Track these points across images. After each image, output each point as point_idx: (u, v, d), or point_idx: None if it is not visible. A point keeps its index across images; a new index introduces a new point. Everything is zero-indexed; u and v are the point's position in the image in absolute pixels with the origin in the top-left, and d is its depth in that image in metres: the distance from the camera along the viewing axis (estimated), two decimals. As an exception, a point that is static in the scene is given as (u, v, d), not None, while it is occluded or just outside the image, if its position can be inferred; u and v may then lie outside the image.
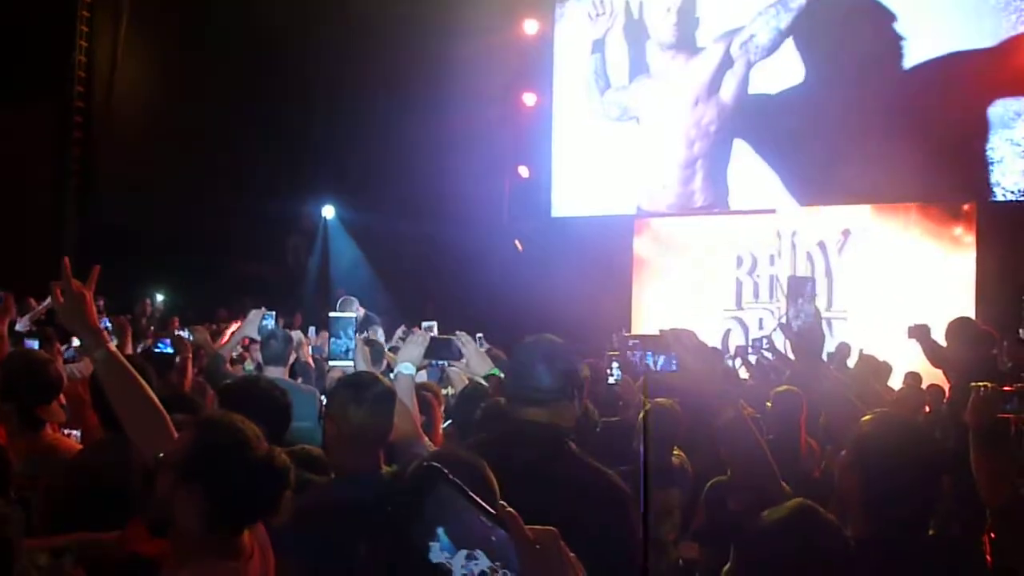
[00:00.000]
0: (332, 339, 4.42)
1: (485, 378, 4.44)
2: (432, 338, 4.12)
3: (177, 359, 5.90)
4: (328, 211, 17.25)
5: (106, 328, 7.32)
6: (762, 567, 2.52)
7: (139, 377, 2.95)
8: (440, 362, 5.28)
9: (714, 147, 13.85)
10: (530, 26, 15.31)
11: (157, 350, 6.12)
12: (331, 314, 4.02)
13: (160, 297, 13.74)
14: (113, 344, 3.03)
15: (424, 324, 5.57)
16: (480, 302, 12.76)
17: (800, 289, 3.60)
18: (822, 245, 13.16)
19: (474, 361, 4.21)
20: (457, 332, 4.18)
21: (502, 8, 14.42)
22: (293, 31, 14.47)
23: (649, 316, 13.75)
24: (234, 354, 6.74)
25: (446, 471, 1.38)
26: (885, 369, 8.48)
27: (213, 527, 2.46)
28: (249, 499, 2.51)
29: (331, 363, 4.02)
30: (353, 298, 7.76)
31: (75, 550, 2.93)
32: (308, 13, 14.41)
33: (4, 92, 12.93)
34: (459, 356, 4.16)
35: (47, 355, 4.60)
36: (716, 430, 3.27)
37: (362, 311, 7.24)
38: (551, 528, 1.43)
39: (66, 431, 4.52)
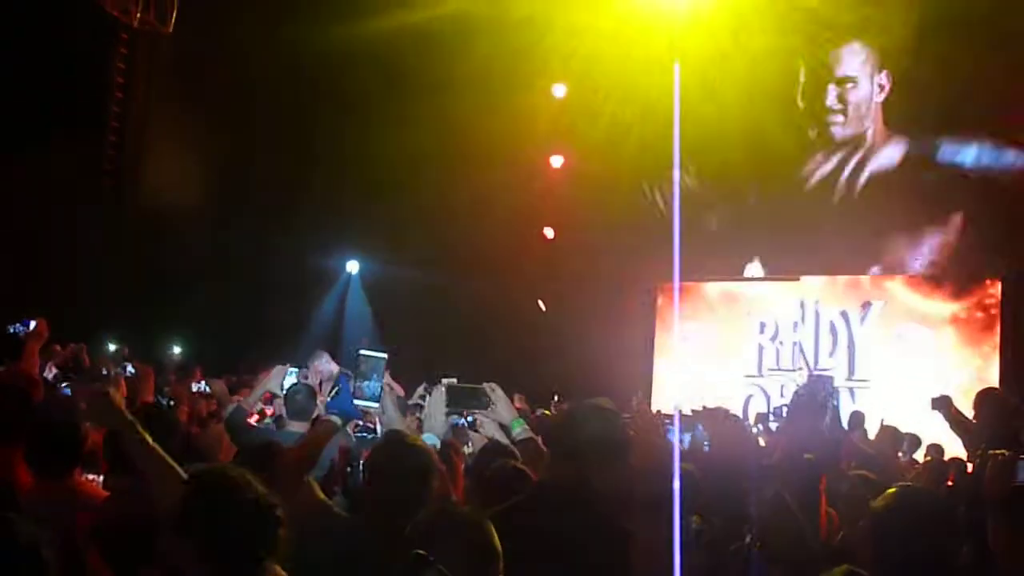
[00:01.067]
0: (362, 381, 4.33)
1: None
2: (460, 387, 4.13)
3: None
4: (352, 266, 17.33)
5: (129, 374, 7.44)
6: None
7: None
8: (460, 420, 5.26)
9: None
10: (559, 89, 15.45)
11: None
12: (362, 352, 3.99)
13: (177, 350, 13.72)
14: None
15: (444, 381, 5.59)
16: (501, 362, 12.76)
17: (817, 390, 3.61)
18: (844, 315, 13.15)
19: (502, 408, 4.20)
20: (485, 383, 4.18)
21: (530, 69, 14.56)
22: (326, 80, 14.63)
23: (669, 380, 13.72)
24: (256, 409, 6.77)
25: (433, 561, 1.40)
26: (909, 440, 8.41)
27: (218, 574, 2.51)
28: (245, 542, 2.54)
29: (357, 402, 3.96)
30: (323, 352, 7.71)
31: None
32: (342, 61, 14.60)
33: (44, 131, 13.11)
34: (487, 406, 4.17)
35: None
36: (753, 505, 3.26)
37: (335, 367, 7.18)
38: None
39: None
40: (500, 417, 4.25)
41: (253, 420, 6.21)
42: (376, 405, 4.00)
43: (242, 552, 2.54)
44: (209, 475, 2.71)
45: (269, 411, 7.78)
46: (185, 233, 15.54)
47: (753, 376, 13.52)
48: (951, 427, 6.36)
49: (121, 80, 15.32)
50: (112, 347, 10.82)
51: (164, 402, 6.72)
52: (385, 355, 3.96)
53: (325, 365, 7.24)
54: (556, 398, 10.91)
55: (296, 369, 6.38)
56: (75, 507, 3.79)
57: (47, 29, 13.09)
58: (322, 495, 3.66)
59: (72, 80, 13.94)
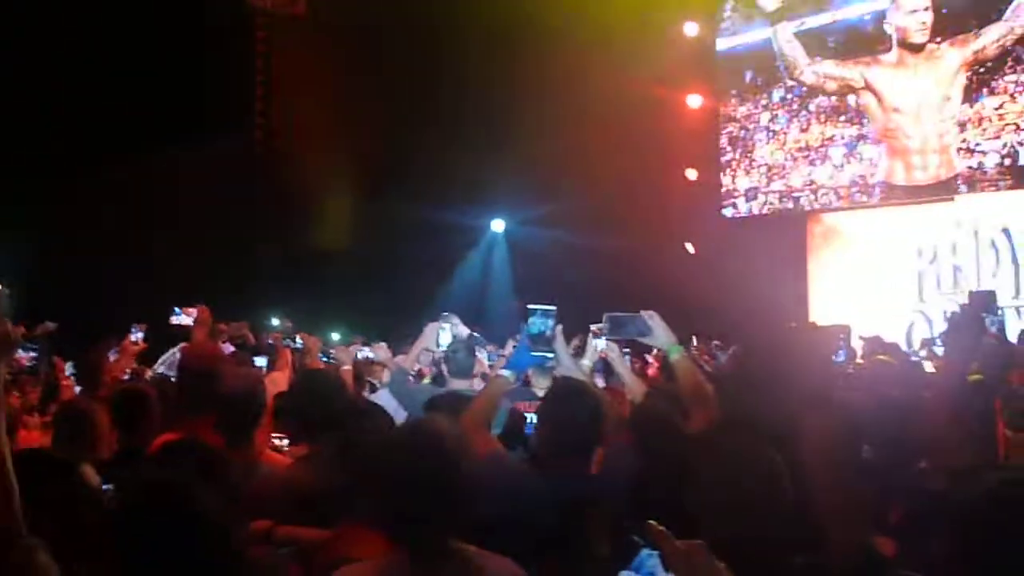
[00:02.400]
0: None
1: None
2: (620, 315, 4.16)
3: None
4: (498, 224, 17.47)
5: (296, 347, 7.70)
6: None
7: None
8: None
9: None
10: (690, 28, 15.23)
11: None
12: (530, 306, 4.03)
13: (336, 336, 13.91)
14: None
15: (593, 326, 5.58)
16: (652, 307, 12.69)
17: (981, 306, 3.48)
18: (1006, 231, 12.60)
19: (660, 333, 4.20)
20: (642, 311, 4.19)
21: (662, 11, 14.38)
22: (460, 44, 14.71)
23: (826, 311, 13.43)
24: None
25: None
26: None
27: (399, 532, 2.58)
28: (417, 506, 2.54)
29: (535, 353, 3.99)
30: (452, 314, 7.76)
31: (294, 545, 3.11)
32: (472, 24, 14.64)
33: (192, 129, 13.56)
34: (646, 332, 4.19)
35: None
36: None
37: (466, 330, 7.21)
38: (698, 541, 1.46)
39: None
40: (659, 342, 4.24)
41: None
42: (551, 354, 4.03)
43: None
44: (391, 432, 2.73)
45: (425, 371, 7.97)
46: (336, 206, 15.94)
47: (914, 302, 13.14)
48: None
49: (261, 63, 15.74)
50: (276, 322, 11.18)
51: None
52: (554, 307, 3.99)
53: (455, 328, 7.32)
54: (715, 343, 10.86)
55: (446, 325, 6.45)
56: (258, 474, 4.02)
57: (185, 21, 13.51)
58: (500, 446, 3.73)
59: (215, 68, 14.38)
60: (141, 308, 7.59)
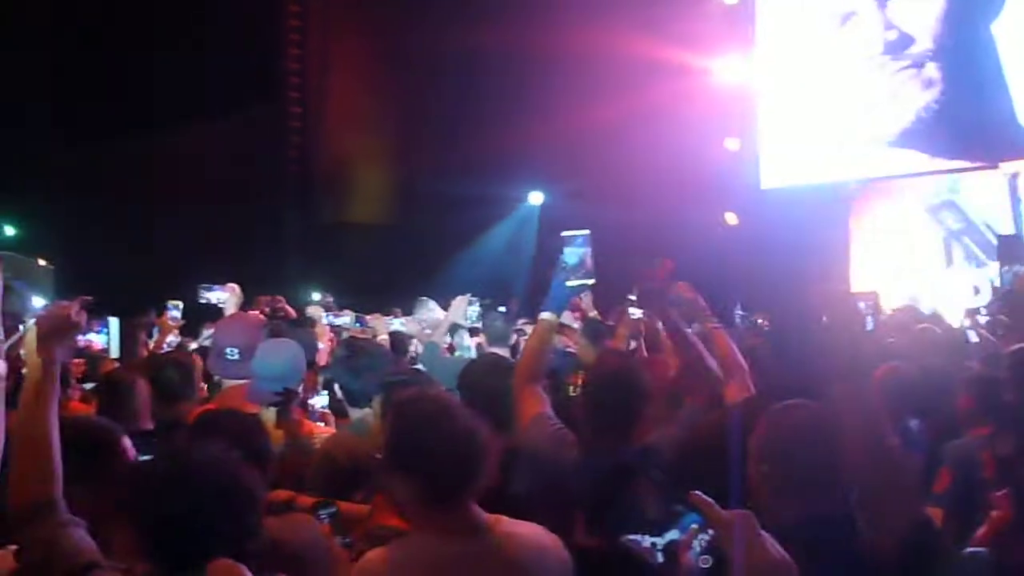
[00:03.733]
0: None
1: None
2: None
3: None
4: (536, 197, 17.38)
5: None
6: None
7: None
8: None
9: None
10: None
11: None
12: (563, 233, 3.96)
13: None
14: None
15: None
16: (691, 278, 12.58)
17: (1012, 249, 3.39)
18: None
19: None
20: None
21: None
22: (499, 13, 14.63)
23: (868, 282, 13.28)
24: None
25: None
26: None
27: (435, 505, 2.56)
28: (458, 475, 2.56)
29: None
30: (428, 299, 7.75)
31: (333, 511, 3.12)
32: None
33: (224, 100, 13.61)
34: None
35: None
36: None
37: (442, 314, 7.24)
38: (746, 511, 1.44)
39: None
40: None
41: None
42: (591, 280, 3.95)
43: (450, 485, 2.57)
44: (414, 404, 2.71)
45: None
46: (371, 180, 15.96)
47: (955, 269, 12.96)
48: None
49: (296, 37, 15.76)
50: (316, 296, 11.23)
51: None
52: (587, 232, 3.91)
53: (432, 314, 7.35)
54: (739, 309, 10.82)
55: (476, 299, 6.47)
56: (300, 445, 4.08)
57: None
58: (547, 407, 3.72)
59: (249, 43, 14.42)
60: (175, 282, 7.65)
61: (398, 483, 2.61)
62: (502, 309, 7.63)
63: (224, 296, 5.91)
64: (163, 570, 2.09)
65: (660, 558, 2.56)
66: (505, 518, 2.66)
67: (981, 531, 2.73)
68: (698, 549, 1.44)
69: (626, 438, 3.46)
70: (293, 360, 4.28)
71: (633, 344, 6.10)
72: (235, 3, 13.99)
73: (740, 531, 1.42)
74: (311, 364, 5.27)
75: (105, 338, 7.59)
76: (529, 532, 2.69)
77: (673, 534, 2.08)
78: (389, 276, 14.09)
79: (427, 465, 2.54)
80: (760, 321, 10.49)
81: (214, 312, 6.32)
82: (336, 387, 4.34)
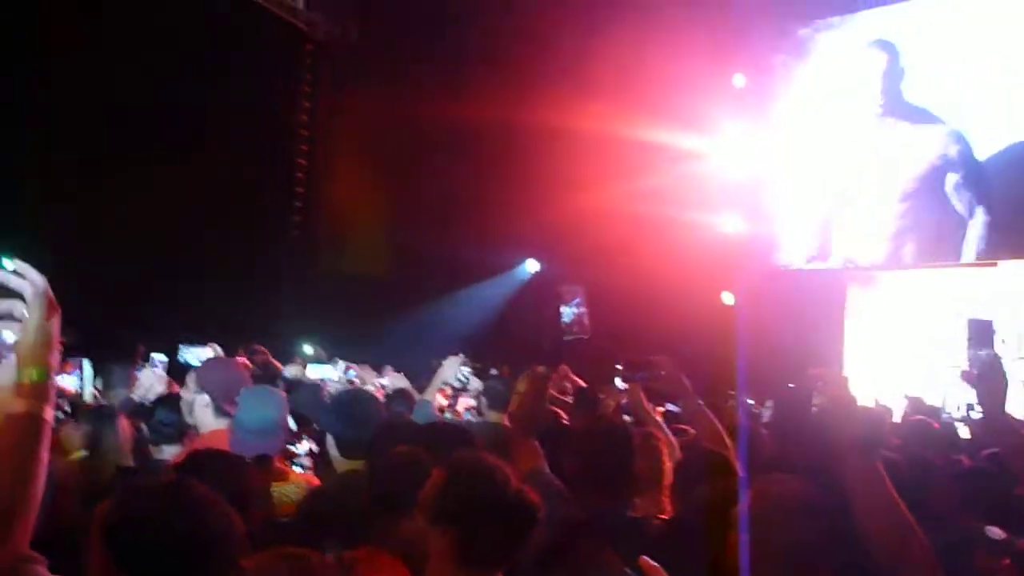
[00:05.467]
0: None
1: None
2: None
3: None
4: (532, 265, 17.40)
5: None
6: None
7: None
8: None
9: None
10: (738, 80, 15.20)
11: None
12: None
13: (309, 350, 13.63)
14: None
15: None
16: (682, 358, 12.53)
17: (981, 333, 3.36)
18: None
19: None
20: None
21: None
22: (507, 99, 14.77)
23: (863, 373, 13.26)
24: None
25: None
26: None
27: (464, 568, 2.52)
28: (499, 540, 2.54)
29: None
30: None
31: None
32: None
33: (235, 138, 13.61)
34: None
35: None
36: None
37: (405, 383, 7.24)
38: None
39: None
40: None
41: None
42: None
43: (494, 551, 2.56)
44: (472, 466, 2.69)
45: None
46: (370, 240, 16.00)
47: (957, 367, 12.92)
48: None
49: (308, 90, 15.89)
50: (309, 350, 11.20)
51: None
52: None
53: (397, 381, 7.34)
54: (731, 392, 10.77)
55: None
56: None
57: (237, 42, 13.62)
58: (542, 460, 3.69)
59: (262, 92, 14.51)
60: (167, 332, 7.57)
61: (435, 540, 2.56)
62: (494, 371, 7.61)
63: (206, 355, 5.83)
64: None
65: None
66: None
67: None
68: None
69: (617, 504, 3.43)
70: (278, 414, 4.22)
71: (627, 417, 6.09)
72: (250, 55, 14.10)
73: None
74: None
75: (77, 381, 7.46)
76: None
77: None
78: (382, 330, 14.05)
79: (478, 528, 2.53)
80: (752, 403, 10.44)
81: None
82: (328, 437, 4.30)
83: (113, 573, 2.12)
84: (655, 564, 1.48)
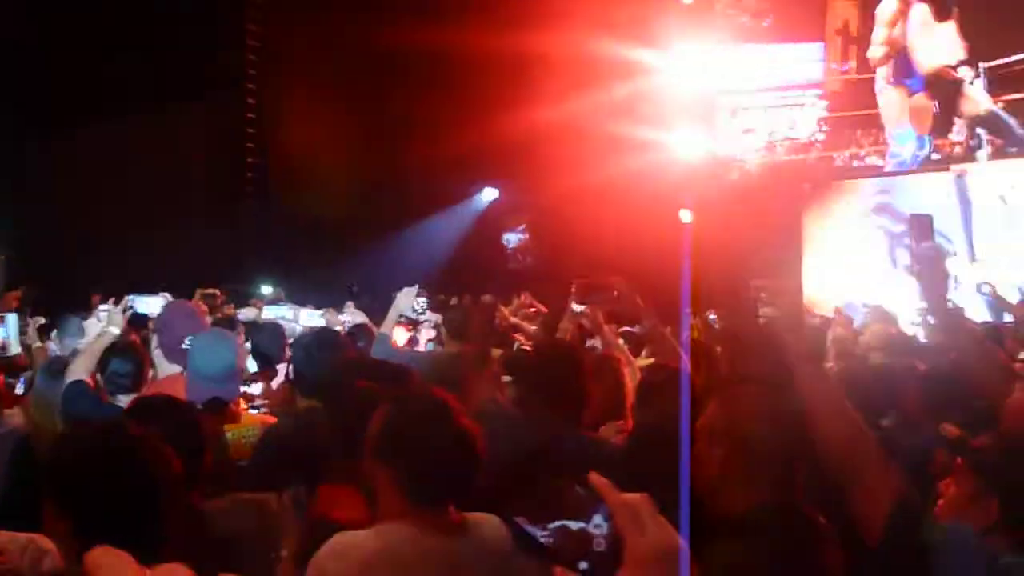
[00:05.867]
0: None
1: None
2: None
3: None
4: (489, 194, 17.30)
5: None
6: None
7: None
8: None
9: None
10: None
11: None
12: None
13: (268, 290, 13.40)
14: None
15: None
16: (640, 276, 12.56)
17: (921, 228, 3.36)
18: (1003, 198, 12.48)
19: None
20: None
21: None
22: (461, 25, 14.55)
23: (822, 278, 13.33)
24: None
25: None
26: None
27: (409, 502, 2.51)
28: (441, 476, 2.53)
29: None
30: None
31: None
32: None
33: (181, 89, 13.42)
34: None
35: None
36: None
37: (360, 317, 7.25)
38: (643, 494, 1.41)
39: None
40: None
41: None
42: None
43: (439, 485, 2.54)
44: (414, 400, 2.69)
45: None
46: (327, 175, 15.85)
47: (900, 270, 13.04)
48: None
49: (252, 28, 15.62)
50: (268, 290, 11.15)
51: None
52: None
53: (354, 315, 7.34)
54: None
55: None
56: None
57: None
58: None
59: (205, 33, 14.25)
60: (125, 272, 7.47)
61: (381, 476, 2.55)
62: (454, 301, 7.60)
63: (157, 303, 5.70)
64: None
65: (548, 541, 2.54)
66: (482, 517, 2.62)
67: (940, 503, 2.74)
68: (597, 533, 1.40)
69: (572, 422, 3.43)
70: (232, 357, 4.17)
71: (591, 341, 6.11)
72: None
73: (636, 514, 1.38)
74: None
75: (3, 332, 7.32)
76: (492, 525, 2.63)
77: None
78: (342, 270, 13.97)
79: (420, 463, 2.51)
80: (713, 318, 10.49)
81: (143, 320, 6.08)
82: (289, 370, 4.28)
83: (59, 518, 2.15)
84: (604, 480, 1.47)
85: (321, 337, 4.47)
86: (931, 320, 7.61)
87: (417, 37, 14.27)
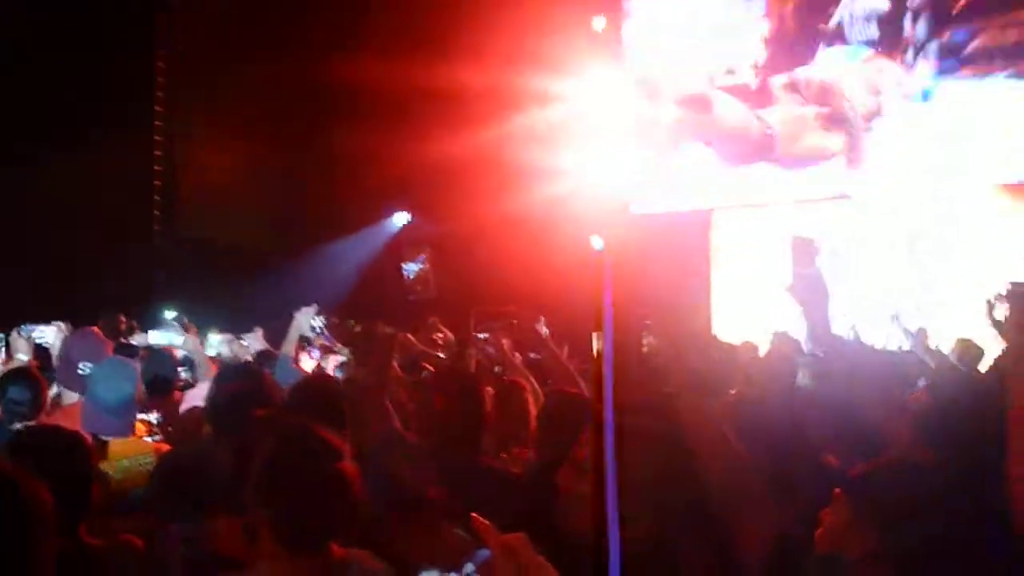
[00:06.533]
0: None
1: None
2: None
3: None
4: (400, 218, 17.23)
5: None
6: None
7: None
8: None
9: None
10: (598, 23, 15.17)
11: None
12: None
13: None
14: None
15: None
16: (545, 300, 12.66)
17: (804, 252, 3.38)
18: (909, 230, 12.81)
19: None
20: None
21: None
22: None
23: (729, 311, 13.51)
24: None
25: None
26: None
27: (281, 546, 2.47)
28: (312, 519, 2.48)
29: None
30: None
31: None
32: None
33: (90, 114, 13.17)
34: None
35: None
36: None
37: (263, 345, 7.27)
38: (521, 534, 1.42)
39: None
40: None
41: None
42: None
43: (313, 528, 2.49)
44: (292, 439, 2.62)
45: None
46: (236, 203, 15.68)
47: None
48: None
49: (162, 53, 15.44)
50: (170, 315, 10.95)
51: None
52: None
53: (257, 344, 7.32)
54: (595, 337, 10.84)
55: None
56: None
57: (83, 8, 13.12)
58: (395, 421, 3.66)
59: (114, 60, 14.01)
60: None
61: (258, 516, 2.51)
62: (356, 327, 7.56)
63: (50, 333, 5.58)
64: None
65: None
66: (361, 555, 2.60)
67: (818, 533, 2.77)
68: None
69: (467, 449, 3.43)
70: (131, 390, 4.10)
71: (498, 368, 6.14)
72: (98, 23, 13.54)
73: (515, 555, 1.38)
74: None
75: None
76: (366, 561, 2.61)
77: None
78: (253, 292, 13.78)
79: (290, 508, 2.46)
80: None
81: (39, 351, 5.94)
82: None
83: None
84: (485, 523, 1.46)
85: (226, 366, 4.44)
86: (811, 345, 7.76)
87: (331, 66, 14.24)
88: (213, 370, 6.16)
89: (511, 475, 3.55)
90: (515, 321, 4.31)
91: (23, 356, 4.89)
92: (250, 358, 7.06)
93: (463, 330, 7.78)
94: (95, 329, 5.71)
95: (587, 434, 3.01)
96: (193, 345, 6.70)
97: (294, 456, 2.53)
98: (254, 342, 7.33)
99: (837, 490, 2.68)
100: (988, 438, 2.58)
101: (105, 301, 9.19)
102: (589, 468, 2.55)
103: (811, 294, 3.10)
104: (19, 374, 4.67)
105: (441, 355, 7.37)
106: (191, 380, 6.14)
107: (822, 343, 3.40)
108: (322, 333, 6.09)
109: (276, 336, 7.69)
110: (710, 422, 2.44)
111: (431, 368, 7.12)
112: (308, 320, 6.10)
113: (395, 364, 5.62)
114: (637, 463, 2.40)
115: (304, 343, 7.01)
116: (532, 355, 6.61)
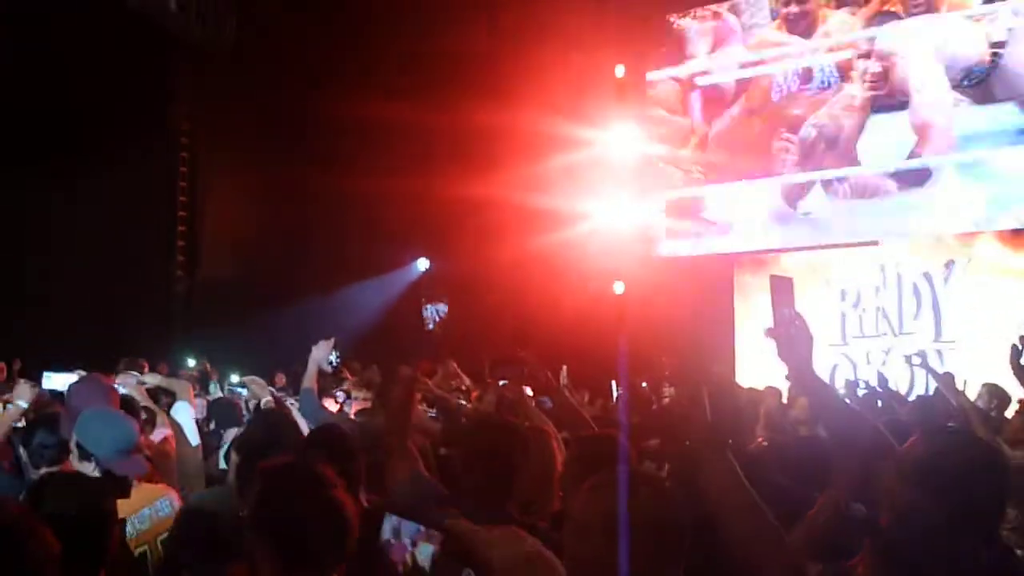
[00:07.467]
0: None
1: None
2: None
3: None
4: (422, 263, 17.30)
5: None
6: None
7: None
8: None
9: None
10: (619, 70, 15.25)
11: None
12: None
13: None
14: None
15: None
16: (571, 347, 12.60)
17: (782, 291, 3.28)
18: (927, 276, 12.79)
19: None
20: None
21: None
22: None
23: (754, 354, 13.43)
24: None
25: None
26: (998, 397, 8.07)
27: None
28: (317, 545, 2.47)
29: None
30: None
31: None
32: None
33: (111, 150, 13.20)
34: None
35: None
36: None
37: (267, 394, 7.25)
38: None
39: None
40: None
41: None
42: None
43: (313, 557, 2.48)
44: (284, 472, 2.63)
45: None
46: (259, 246, 15.73)
47: (837, 344, 13.21)
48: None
49: (184, 94, 15.54)
50: (192, 363, 11.01)
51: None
52: None
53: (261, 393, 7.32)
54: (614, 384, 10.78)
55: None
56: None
57: (107, 49, 13.18)
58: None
59: (137, 102, 14.10)
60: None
61: (257, 551, 2.49)
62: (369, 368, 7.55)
63: (71, 380, 5.60)
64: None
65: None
66: None
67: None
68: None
69: (497, 498, 3.36)
70: (130, 429, 4.08)
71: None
72: (122, 63, 13.64)
73: None
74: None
75: None
76: None
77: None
78: (276, 335, 13.81)
79: (295, 536, 2.46)
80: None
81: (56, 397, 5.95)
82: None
83: None
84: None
85: (252, 417, 4.42)
86: (790, 387, 7.66)
87: (357, 109, 14.36)
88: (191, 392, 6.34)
89: (538, 528, 3.46)
90: (526, 369, 4.25)
91: (23, 403, 4.91)
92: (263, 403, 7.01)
93: (479, 374, 7.75)
94: (99, 376, 5.71)
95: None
96: (154, 378, 6.72)
97: (283, 486, 2.54)
98: (259, 390, 7.29)
99: (867, 540, 2.62)
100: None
101: (128, 346, 9.22)
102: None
103: (791, 334, 3.00)
104: (47, 419, 4.69)
105: (462, 400, 7.32)
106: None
107: (803, 387, 3.31)
108: (337, 365, 6.06)
109: (296, 381, 7.72)
110: (730, 476, 2.36)
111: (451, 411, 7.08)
112: (326, 353, 6.10)
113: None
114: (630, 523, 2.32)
115: (324, 387, 6.98)
116: (542, 399, 6.51)
